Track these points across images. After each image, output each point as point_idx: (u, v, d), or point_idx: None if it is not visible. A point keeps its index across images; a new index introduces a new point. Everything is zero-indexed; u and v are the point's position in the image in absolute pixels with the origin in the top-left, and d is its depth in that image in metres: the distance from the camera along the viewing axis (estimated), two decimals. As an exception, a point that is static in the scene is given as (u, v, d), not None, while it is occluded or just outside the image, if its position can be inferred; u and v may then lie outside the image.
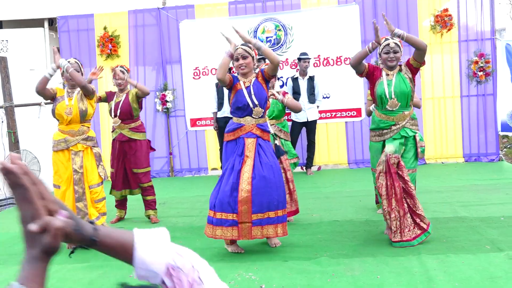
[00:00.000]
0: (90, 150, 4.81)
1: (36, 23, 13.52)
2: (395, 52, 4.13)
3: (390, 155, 4.06)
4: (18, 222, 0.88)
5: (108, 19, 8.76)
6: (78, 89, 4.76)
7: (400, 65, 4.27)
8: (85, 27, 8.84)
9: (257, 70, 4.31)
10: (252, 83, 4.17)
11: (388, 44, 4.14)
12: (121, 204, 5.72)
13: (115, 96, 5.62)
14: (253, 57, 4.15)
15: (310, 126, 8.00)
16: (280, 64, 8.26)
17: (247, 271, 3.67)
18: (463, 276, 3.27)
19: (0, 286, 3.73)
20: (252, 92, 4.12)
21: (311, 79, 7.91)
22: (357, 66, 4.23)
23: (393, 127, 4.20)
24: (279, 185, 4.08)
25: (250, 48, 4.13)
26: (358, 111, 8.30)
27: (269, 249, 4.20)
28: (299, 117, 7.86)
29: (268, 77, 4.19)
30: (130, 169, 5.59)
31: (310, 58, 7.86)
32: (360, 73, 4.31)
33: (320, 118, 8.31)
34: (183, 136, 8.75)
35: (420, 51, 4.08)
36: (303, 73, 7.83)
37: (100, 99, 5.59)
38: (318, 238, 4.45)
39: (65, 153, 4.74)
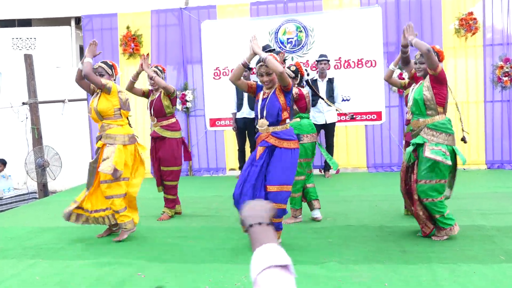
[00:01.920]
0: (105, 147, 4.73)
1: (63, 21, 13.81)
2: (420, 63, 4.28)
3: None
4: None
5: (131, 19, 8.87)
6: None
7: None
8: (109, 26, 8.96)
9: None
10: (269, 95, 4.20)
11: (415, 56, 4.37)
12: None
13: (151, 94, 5.72)
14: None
15: (329, 129, 7.93)
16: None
17: (254, 273, 3.64)
18: (474, 286, 3.19)
19: (12, 280, 3.80)
20: (265, 103, 4.18)
21: (330, 81, 7.84)
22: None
23: (412, 133, 4.39)
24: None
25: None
26: (379, 114, 8.20)
27: (279, 252, 4.17)
28: (317, 120, 7.81)
29: (284, 89, 4.16)
30: (160, 166, 5.69)
31: (329, 60, 7.80)
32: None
33: (340, 121, 8.24)
34: (202, 136, 8.79)
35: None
36: (322, 75, 7.78)
37: (144, 94, 5.77)
38: (329, 243, 4.40)
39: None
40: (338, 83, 7.89)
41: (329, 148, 8.01)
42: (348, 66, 8.27)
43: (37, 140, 8.59)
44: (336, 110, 7.00)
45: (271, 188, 4.11)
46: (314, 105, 7.83)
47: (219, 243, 4.53)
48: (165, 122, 5.59)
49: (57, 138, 9.78)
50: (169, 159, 5.61)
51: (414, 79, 4.56)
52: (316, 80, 7.80)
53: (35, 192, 9.20)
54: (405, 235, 4.52)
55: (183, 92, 8.67)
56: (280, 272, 1.18)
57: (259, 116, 4.23)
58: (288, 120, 4.27)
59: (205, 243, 4.54)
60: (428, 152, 4.14)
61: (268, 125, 4.18)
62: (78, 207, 4.82)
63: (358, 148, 8.39)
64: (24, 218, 6.18)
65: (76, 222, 4.89)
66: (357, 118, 8.32)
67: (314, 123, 7.84)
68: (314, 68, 8.25)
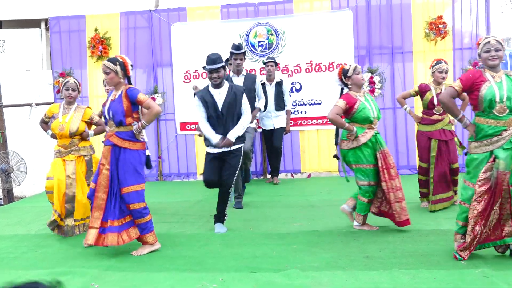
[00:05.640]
0: (83, 158, 5.22)
1: (34, 23, 13.52)
2: (496, 50, 3.76)
3: (501, 172, 3.65)
4: None
5: (99, 21, 8.68)
6: (75, 106, 5.27)
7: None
8: (77, 28, 8.75)
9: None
10: (116, 98, 4.37)
11: (489, 42, 3.79)
12: None
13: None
14: (116, 72, 4.30)
15: (277, 133, 7.56)
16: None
17: (212, 282, 3.54)
18: (432, 293, 3.13)
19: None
20: (111, 106, 4.37)
21: (278, 84, 7.46)
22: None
23: (504, 133, 3.71)
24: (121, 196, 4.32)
25: (114, 64, 4.30)
26: (350, 118, 8.15)
27: (239, 259, 4.07)
28: (265, 124, 7.59)
29: (137, 103, 4.33)
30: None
31: (277, 63, 7.52)
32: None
33: (312, 124, 8.19)
34: (173, 140, 8.64)
35: None
36: (269, 78, 7.44)
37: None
38: (293, 249, 4.31)
39: (60, 161, 5.19)
40: (288, 87, 7.69)
41: (275, 153, 7.70)
42: (319, 70, 8.21)
43: (2, 145, 8.32)
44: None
45: (126, 190, 4.27)
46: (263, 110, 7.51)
47: (179, 251, 4.41)
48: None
49: (23, 143, 9.51)
50: None
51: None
52: (264, 83, 7.43)
53: (0, 199, 8.93)
54: (370, 241, 4.45)
55: (153, 96, 8.51)
56: None
57: (107, 117, 4.40)
58: (135, 123, 4.36)
59: (165, 251, 4.41)
60: None
61: (115, 126, 4.36)
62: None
63: (330, 152, 8.32)
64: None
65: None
66: (328, 122, 8.23)
67: (264, 129, 7.63)
68: (285, 72, 8.17)
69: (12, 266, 4.22)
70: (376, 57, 8.13)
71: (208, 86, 4.99)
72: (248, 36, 8.30)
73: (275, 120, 7.55)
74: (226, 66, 5.64)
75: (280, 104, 7.53)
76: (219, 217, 5.08)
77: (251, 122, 6.07)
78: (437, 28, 7.84)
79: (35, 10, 13.05)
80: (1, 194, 9.10)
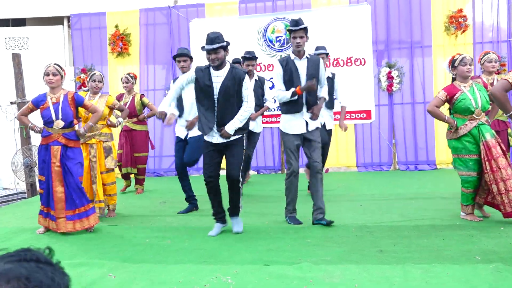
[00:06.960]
0: (101, 143, 5.72)
1: (57, 21, 13.74)
2: None
3: None
4: None
5: (119, 18, 8.82)
6: (99, 95, 5.82)
7: None
8: (97, 25, 8.92)
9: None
10: (60, 101, 4.89)
11: None
12: (125, 176, 7.30)
13: (123, 97, 7.08)
14: (62, 76, 4.91)
15: (323, 131, 6.22)
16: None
17: (226, 274, 3.59)
18: (444, 287, 3.13)
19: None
20: (59, 108, 4.86)
21: (329, 79, 6.31)
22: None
23: None
24: (78, 187, 4.92)
25: (61, 68, 4.92)
26: (368, 113, 8.13)
27: (254, 252, 4.12)
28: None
29: (84, 107, 5.07)
30: (133, 153, 7.10)
31: (328, 53, 6.46)
32: None
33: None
34: (191, 135, 8.72)
35: None
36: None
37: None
38: (306, 243, 4.34)
39: (83, 146, 5.55)
40: (340, 81, 6.57)
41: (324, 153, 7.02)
42: (337, 65, 8.20)
43: (25, 139, 8.51)
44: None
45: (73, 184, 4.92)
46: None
47: (195, 243, 4.48)
48: (135, 119, 7.03)
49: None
50: (141, 146, 7.09)
51: None
52: None
53: (24, 192, 9.14)
54: (384, 235, 4.46)
55: (172, 91, 8.61)
56: None
57: (54, 118, 4.83)
58: (77, 125, 5.08)
59: (181, 243, 4.49)
60: None
61: (62, 128, 4.85)
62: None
63: (348, 147, 8.32)
64: (6, 219, 6.13)
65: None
66: (346, 117, 8.22)
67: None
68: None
69: (33, 257, 4.33)
70: (394, 51, 8.09)
71: (209, 65, 4.56)
72: (266, 31, 8.32)
73: (325, 118, 6.40)
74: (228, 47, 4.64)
75: (330, 100, 6.34)
76: (234, 209, 4.79)
77: (313, 118, 4.95)
78: (457, 22, 7.75)
79: (57, 8, 13.25)
80: (24, 187, 9.32)
